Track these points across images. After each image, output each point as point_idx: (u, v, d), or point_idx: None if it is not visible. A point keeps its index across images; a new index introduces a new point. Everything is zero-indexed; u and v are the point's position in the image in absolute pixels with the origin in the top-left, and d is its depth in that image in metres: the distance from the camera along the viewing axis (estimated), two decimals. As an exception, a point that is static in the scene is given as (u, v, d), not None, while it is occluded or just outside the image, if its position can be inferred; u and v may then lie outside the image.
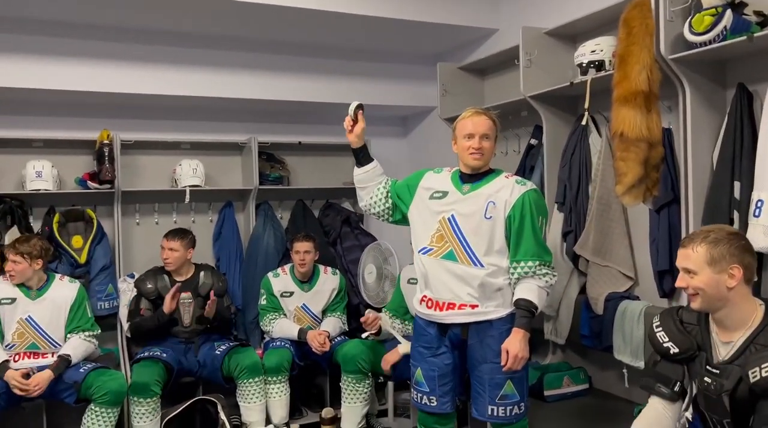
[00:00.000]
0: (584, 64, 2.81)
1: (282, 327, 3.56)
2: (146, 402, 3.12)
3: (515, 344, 2.18)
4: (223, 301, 3.60)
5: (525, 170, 3.39)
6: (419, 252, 2.40)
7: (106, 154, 3.57)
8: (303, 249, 3.61)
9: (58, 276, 3.31)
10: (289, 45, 3.91)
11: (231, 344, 3.48)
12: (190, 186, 3.84)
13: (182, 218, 4.06)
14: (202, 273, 3.58)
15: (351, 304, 3.98)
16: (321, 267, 3.80)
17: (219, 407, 3.33)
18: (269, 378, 3.40)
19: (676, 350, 1.85)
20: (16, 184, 3.52)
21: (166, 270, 3.51)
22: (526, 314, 2.21)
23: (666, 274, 2.67)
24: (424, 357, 2.42)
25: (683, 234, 2.54)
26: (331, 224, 4.28)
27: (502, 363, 2.21)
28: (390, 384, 3.45)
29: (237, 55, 3.82)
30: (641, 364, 2.71)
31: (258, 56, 3.87)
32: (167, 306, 3.33)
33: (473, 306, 2.27)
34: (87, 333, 3.26)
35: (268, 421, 3.43)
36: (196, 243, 3.58)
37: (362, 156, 2.55)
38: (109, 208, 3.75)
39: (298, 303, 3.67)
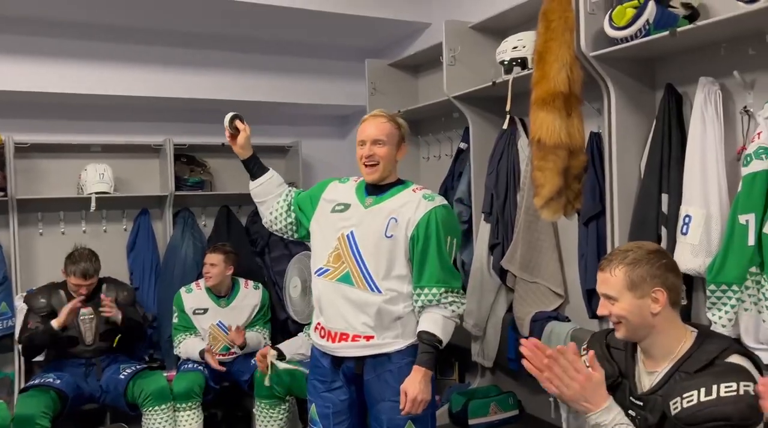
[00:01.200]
0: (506, 62, 2.56)
1: (187, 347, 3.27)
2: (29, 436, 2.81)
3: (414, 385, 1.92)
4: (135, 310, 3.31)
5: (454, 176, 3.15)
6: (315, 273, 2.12)
7: (-4, 158, 3.23)
8: (209, 262, 3.33)
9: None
10: (209, 38, 3.62)
11: (137, 367, 3.19)
12: (96, 193, 3.51)
13: (92, 227, 3.74)
14: (104, 286, 3.26)
15: (278, 320, 3.70)
16: (241, 281, 3.51)
17: (123, 437, 3.04)
18: (178, 405, 3.11)
19: None
20: None
21: (63, 285, 3.19)
22: (428, 349, 1.95)
23: (595, 293, 2.42)
24: (319, 392, 2.15)
25: (610, 249, 2.31)
26: (259, 232, 3.98)
27: (401, 407, 1.94)
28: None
29: (152, 50, 3.52)
30: (568, 391, 2.47)
31: (175, 51, 3.58)
32: (61, 318, 2.99)
33: (368, 338, 2.01)
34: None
35: (178, 450, 3.15)
36: (105, 256, 3.29)
37: (254, 167, 2.27)
38: (5, 217, 3.41)
39: (213, 321, 3.37)
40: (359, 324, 2.01)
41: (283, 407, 3.13)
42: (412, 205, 2.01)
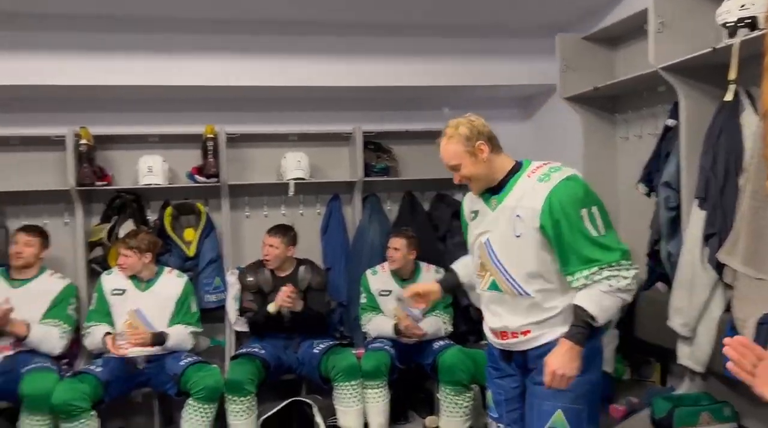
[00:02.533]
0: (731, 23, 2.20)
1: (378, 325, 3.36)
2: (240, 400, 3.10)
3: (557, 357, 1.82)
4: (322, 296, 3.49)
5: (660, 157, 2.82)
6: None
7: (210, 148, 3.59)
8: (393, 246, 3.38)
9: (167, 269, 3.41)
10: (393, 27, 3.64)
11: (330, 343, 3.36)
12: (294, 179, 3.75)
13: (291, 211, 4.01)
14: (302, 268, 3.50)
15: (460, 306, 3.68)
16: (423, 265, 3.53)
17: (315, 409, 3.23)
18: (366, 383, 3.22)
19: None
20: (133, 178, 3.66)
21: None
22: (579, 323, 1.82)
23: None
24: (492, 379, 2.15)
25: None
26: (441, 217, 3.99)
27: (544, 380, 1.83)
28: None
29: (341, 41, 3.63)
30: (805, 408, 2.09)
31: (362, 41, 3.65)
32: (276, 304, 3.24)
33: (525, 333, 1.96)
34: (190, 329, 3.31)
35: (366, 426, 3.27)
36: (301, 238, 3.51)
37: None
38: (218, 201, 3.79)
39: (396, 303, 3.44)
40: (515, 326, 1.97)
41: (468, 394, 3.11)
42: (530, 194, 1.88)
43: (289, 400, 3.24)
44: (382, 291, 3.46)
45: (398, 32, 3.66)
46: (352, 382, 3.20)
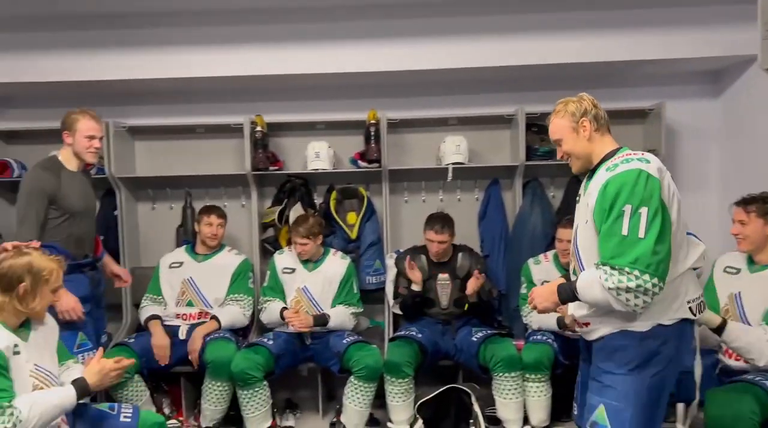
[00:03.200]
0: None
1: (539, 317, 3.21)
2: (398, 382, 3.14)
3: (543, 288, 2.09)
4: (486, 284, 3.41)
5: None
6: None
7: (372, 133, 3.65)
8: (564, 238, 3.19)
9: (332, 251, 3.55)
10: (560, 0, 3.42)
11: (489, 332, 3.29)
12: (452, 163, 3.70)
13: (448, 196, 3.97)
14: (459, 255, 3.45)
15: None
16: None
17: (472, 398, 3.18)
18: (528, 375, 3.11)
19: None
20: (302, 164, 3.84)
21: (424, 250, 3.46)
22: (570, 285, 1.98)
23: None
24: (581, 360, 2.22)
25: None
26: (612, 205, 3.69)
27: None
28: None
29: (502, 19, 3.49)
30: None
31: (525, 17, 3.48)
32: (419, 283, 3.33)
33: (586, 324, 2.03)
34: (351, 309, 3.42)
35: (526, 420, 3.16)
36: (458, 224, 3.46)
37: None
38: (379, 185, 3.86)
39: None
40: (579, 315, 2.03)
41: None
42: (597, 183, 1.91)
43: (447, 386, 3.22)
44: (545, 281, 3.29)
45: (565, 6, 3.44)
46: (512, 373, 3.10)
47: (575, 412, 2.26)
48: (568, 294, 1.99)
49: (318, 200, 3.93)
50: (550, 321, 3.15)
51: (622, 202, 1.81)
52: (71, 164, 2.84)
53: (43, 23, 3.48)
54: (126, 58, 3.48)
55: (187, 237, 3.82)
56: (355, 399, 3.15)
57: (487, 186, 3.93)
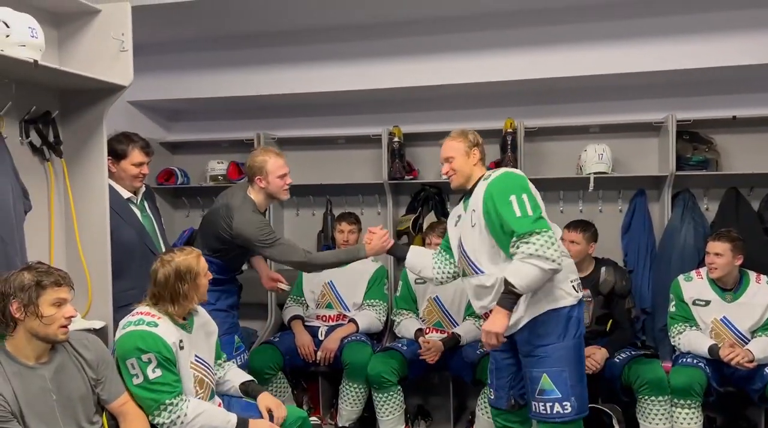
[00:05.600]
0: None
1: (691, 341, 2.99)
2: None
3: (489, 321, 2.28)
4: (624, 303, 3.23)
5: None
6: None
7: (509, 142, 3.60)
8: (713, 251, 2.96)
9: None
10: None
11: (633, 353, 3.11)
12: (594, 173, 3.55)
13: (588, 207, 3.82)
14: (603, 269, 3.27)
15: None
16: (752, 275, 3.02)
17: (614, 420, 3.03)
18: (676, 401, 2.90)
19: None
20: (436, 173, 3.86)
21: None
22: (505, 291, 2.25)
23: None
24: (491, 351, 2.55)
25: None
26: (775, 218, 3.36)
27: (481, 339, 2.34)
28: None
29: (650, 21, 3.31)
30: None
31: (676, 19, 3.27)
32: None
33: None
34: (481, 321, 3.37)
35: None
36: (600, 236, 3.31)
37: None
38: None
39: (717, 315, 3.01)
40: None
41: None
42: (479, 193, 2.37)
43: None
44: (698, 300, 3.06)
45: (735, 4, 3.19)
46: (660, 398, 2.91)
47: (491, 396, 2.63)
48: (509, 297, 2.24)
49: (451, 209, 3.93)
50: (702, 345, 2.92)
51: (508, 194, 2.26)
52: (262, 205, 2.84)
53: (202, 45, 3.83)
54: (276, 74, 3.75)
55: (326, 242, 4.00)
56: (488, 412, 3.11)
57: (631, 197, 3.73)
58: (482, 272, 2.39)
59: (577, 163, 3.70)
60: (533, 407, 2.38)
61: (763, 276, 3.04)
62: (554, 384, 2.32)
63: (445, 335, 3.32)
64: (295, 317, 3.54)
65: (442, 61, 3.57)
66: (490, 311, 2.34)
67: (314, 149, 4.16)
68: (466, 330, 3.33)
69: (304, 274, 3.68)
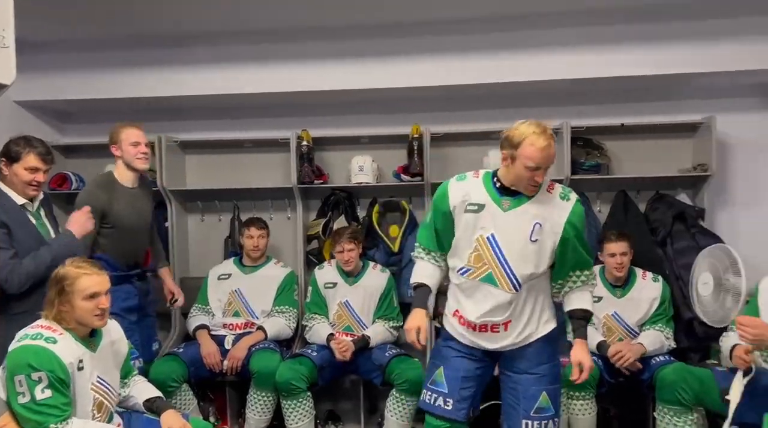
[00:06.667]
0: None
1: None
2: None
3: (585, 355, 2.26)
4: None
5: None
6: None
7: (416, 147, 3.67)
8: (618, 251, 3.18)
9: (371, 264, 3.58)
10: (610, 12, 3.37)
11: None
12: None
13: (492, 210, 3.95)
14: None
15: (682, 319, 3.32)
16: (638, 272, 3.25)
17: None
18: (571, 393, 3.05)
19: None
20: (346, 177, 3.89)
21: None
22: (583, 322, 2.30)
23: None
24: (450, 357, 2.37)
25: None
26: (660, 220, 3.61)
27: (574, 377, 2.26)
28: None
29: (546, 33, 3.47)
30: None
31: (576, 31, 3.45)
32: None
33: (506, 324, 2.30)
34: (391, 324, 3.44)
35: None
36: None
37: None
38: (421, 199, 3.87)
39: (608, 311, 3.22)
40: (499, 319, 2.27)
41: (690, 417, 2.78)
42: (552, 207, 2.20)
43: (489, 403, 3.19)
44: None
45: (617, 20, 3.40)
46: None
47: (447, 407, 2.38)
48: (583, 328, 2.32)
49: (361, 213, 3.97)
50: (591, 341, 3.09)
51: (584, 226, 2.34)
52: (125, 178, 2.93)
53: (100, 44, 3.65)
54: (179, 75, 3.63)
55: (234, 248, 3.92)
56: (397, 412, 3.16)
57: (531, 200, 3.89)
58: (519, 288, 2.23)
59: (481, 168, 3.81)
60: (524, 425, 2.30)
61: (648, 273, 3.27)
62: (551, 402, 2.33)
63: (356, 337, 3.34)
64: (201, 326, 3.44)
65: (350, 66, 3.59)
66: (491, 325, 2.28)
67: (220, 153, 4.06)
68: (375, 332, 3.36)
69: (210, 282, 3.59)
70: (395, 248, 3.77)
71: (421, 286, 2.40)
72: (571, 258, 2.23)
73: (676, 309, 3.29)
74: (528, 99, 3.89)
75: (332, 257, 3.61)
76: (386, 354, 3.25)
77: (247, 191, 3.94)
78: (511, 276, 2.20)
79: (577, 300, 2.29)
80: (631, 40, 3.42)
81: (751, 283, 2.66)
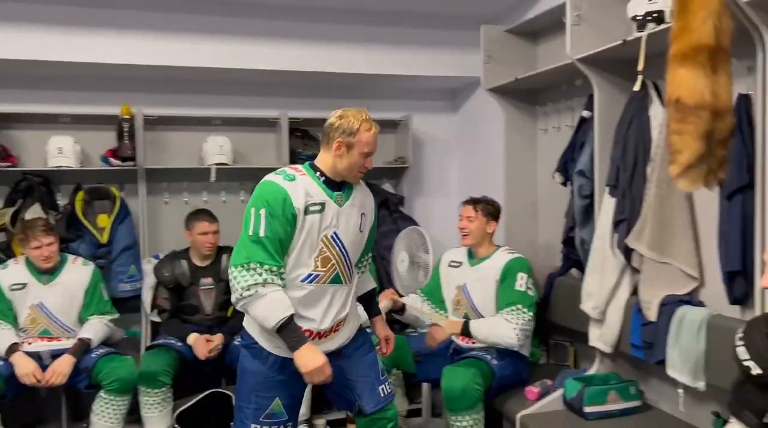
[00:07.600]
0: (640, 17, 2.30)
1: None
2: (154, 392, 2.99)
3: (389, 330, 2.48)
4: None
5: (575, 148, 2.92)
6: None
7: (126, 129, 3.43)
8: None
9: (71, 258, 3.21)
10: (323, 11, 3.58)
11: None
12: (216, 164, 3.64)
13: (213, 197, 3.89)
14: (224, 257, 3.37)
15: (384, 292, 3.69)
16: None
17: (234, 401, 3.14)
18: None
19: (759, 371, 1.52)
20: (42, 160, 3.45)
21: (185, 254, 3.36)
22: (376, 301, 2.51)
23: (737, 276, 2.15)
24: (285, 385, 2.22)
25: (758, 229, 2.03)
26: (366, 206, 3.97)
27: (384, 351, 2.43)
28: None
29: (268, 24, 3.53)
30: (701, 385, 2.22)
31: (289, 25, 3.57)
32: (196, 348, 3.11)
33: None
34: (107, 318, 3.17)
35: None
36: (223, 225, 3.37)
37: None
38: (134, 185, 3.64)
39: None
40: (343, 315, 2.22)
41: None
42: (365, 195, 2.26)
43: (208, 392, 3.15)
44: None
45: (327, 18, 3.61)
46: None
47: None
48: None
49: (62, 201, 3.56)
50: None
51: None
52: None
53: None
54: None
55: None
56: (106, 415, 2.92)
57: (252, 187, 3.92)
58: (352, 278, 2.25)
59: (200, 154, 3.75)
60: (381, 391, 2.28)
61: None
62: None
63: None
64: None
65: (45, 35, 3.17)
66: (336, 324, 2.19)
67: None
68: (94, 330, 3.07)
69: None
70: (104, 239, 3.46)
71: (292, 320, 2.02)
72: (369, 242, 2.31)
73: (382, 288, 3.65)
74: (249, 87, 3.93)
75: (18, 256, 3.15)
76: (92, 355, 2.98)
77: None
78: (351, 268, 2.18)
79: (369, 282, 2.42)
80: (339, 40, 3.65)
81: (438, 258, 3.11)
